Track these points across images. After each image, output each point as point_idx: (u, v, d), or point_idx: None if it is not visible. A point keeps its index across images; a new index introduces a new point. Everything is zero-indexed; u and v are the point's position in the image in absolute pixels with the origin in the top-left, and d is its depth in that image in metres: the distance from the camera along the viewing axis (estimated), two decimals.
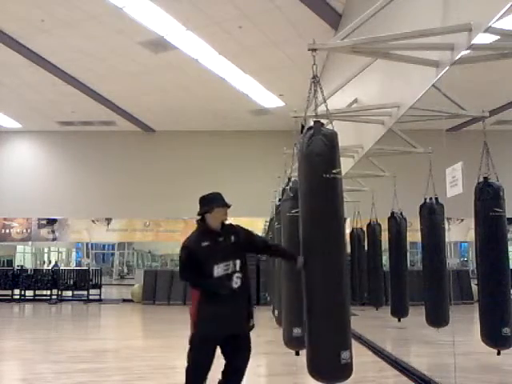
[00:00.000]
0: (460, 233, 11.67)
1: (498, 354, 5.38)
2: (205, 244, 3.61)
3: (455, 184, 4.43)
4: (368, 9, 4.38)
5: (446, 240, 7.91)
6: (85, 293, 14.51)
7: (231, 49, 9.82)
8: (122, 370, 5.98)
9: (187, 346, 3.61)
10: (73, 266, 19.16)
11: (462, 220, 10.79)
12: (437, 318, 7.22)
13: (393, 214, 8.71)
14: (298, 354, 4.77)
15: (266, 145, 14.08)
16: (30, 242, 17.51)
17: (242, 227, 3.82)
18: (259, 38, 9.28)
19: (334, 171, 3.67)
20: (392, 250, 9.00)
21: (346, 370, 3.55)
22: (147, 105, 13.26)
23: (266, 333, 7.86)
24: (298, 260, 3.76)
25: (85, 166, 15.71)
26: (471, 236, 5.97)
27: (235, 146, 15.08)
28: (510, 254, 5.85)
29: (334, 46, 4.48)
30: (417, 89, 4.79)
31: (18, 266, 16.23)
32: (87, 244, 20.77)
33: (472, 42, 3.63)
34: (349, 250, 11.19)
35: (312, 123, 3.86)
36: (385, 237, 9.56)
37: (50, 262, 19.91)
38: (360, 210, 10.47)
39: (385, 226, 9.33)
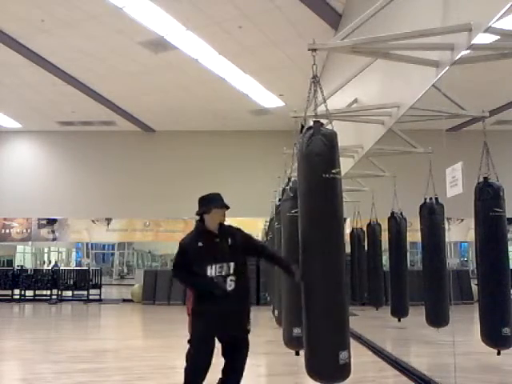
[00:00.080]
0: (460, 233, 11.66)
1: (498, 354, 5.38)
2: (200, 244, 3.62)
3: (455, 184, 4.43)
4: (368, 9, 4.38)
5: (446, 240, 7.91)
6: (85, 293, 14.51)
7: (231, 49, 9.82)
8: (122, 369, 5.97)
9: (187, 346, 3.63)
10: (73, 266, 19.16)
11: (462, 220, 10.79)
12: (437, 318, 7.22)
13: (393, 213, 8.71)
14: (298, 353, 4.77)
15: (266, 145, 14.08)
16: (29, 242, 17.49)
17: (240, 230, 3.81)
18: (259, 38, 9.28)
19: (333, 171, 3.66)
20: (392, 249, 9.00)
21: (345, 370, 3.55)
22: (147, 105, 13.25)
23: (265, 333, 7.86)
24: (295, 272, 3.68)
25: (85, 165, 15.70)
26: (471, 236, 5.97)
27: (235, 146, 15.07)
28: (510, 253, 5.85)
29: (334, 45, 4.48)
30: (417, 89, 4.79)
31: (18, 266, 16.23)
32: (87, 244, 20.77)
33: (472, 42, 3.63)
34: (349, 250, 11.20)
35: (312, 123, 3.86)
36: (385, 237, 9.56)
37: (49, 261, 19.90)
38: (360, 210, 10.47)
39: (385, 226, 9.32)
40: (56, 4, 8.36)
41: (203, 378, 3.57)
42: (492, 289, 5.37)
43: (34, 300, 14.52)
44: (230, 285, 3.59)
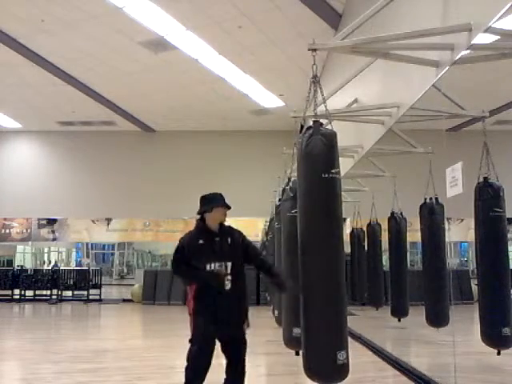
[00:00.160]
0: (460, 233, 11.65)
1: (498, 354, 5.38)
2: (200, 242, 3.63)
3: (455, 184, 4.43)
4: (368, 9, 4.38)
5: (446, 240, 7.91)
6: (85, 293, 14.52)
7: (231, 49, 9.82)
8: (121, 369, 5.97)
9: (187, 346, 3.63)
10: (73, 266, 19.15)
11: (462, 220, 10.78)
12: (437, 318, 7.21)
13: (393, 214, 8.70)
14: (297, 354, 4.76)
15: (266, 145, 14.07)
16: (29, 242, 17.47)
17: (240, 232, 3.80)
18: (259, 38, 9.28)
19: (332, 171, 3.67)
20: (392, 249, 8.99)
21: (343, 370, 3.55)
22: (147, 105, 13.25)
23: (265, 333, 7.86)
24: (288, 288, 3.68)
25: (85, 165, 15.70)
26: (471, 236, 5.96)
27: (235, 146, 15.07)
28: (510, 253, 5.85)
29: (334, 45, 4.48)
30: (417, 89, 4.79)
31: (18, 266, 16.25)
32: (87, 244, 20.77)
33: (472, 42, 3.63)
34: (349, 250, 11.20)
35: (311, 123, 3.86)
36: (385, 237, 9.55)
37: (49, 262, 19.89)
38: (360, 210, 10.47)
39: (385, 226, 9.32)
40: (56, 4, 8.35)
41: (203, 379, 3.58)
42: (492, 289, 5.38)
43: (33, 300, 14.52)
44: (227, 284, 3.59)
